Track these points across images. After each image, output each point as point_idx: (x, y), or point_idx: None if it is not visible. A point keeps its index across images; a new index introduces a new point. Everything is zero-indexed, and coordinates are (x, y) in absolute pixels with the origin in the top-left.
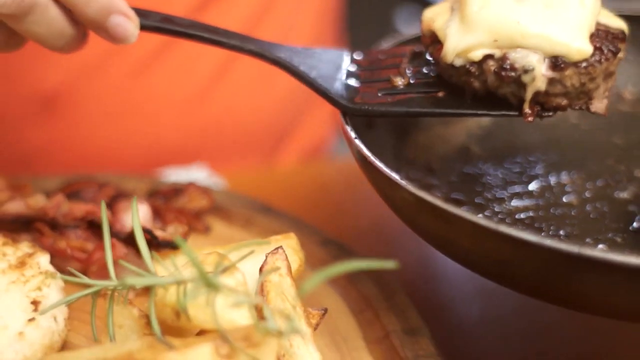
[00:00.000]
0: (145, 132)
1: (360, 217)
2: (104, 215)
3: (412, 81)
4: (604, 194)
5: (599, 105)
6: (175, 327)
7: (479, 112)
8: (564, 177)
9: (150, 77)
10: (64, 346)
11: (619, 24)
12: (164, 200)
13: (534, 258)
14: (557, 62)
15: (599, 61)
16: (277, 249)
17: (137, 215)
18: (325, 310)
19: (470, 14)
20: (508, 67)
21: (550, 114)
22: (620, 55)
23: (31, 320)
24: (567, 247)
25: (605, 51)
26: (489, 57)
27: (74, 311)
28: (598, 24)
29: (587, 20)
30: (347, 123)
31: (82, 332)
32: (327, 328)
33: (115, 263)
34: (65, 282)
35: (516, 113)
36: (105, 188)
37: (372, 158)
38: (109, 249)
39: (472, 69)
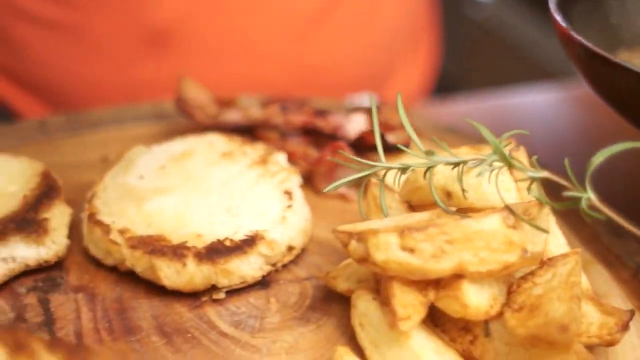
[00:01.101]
0: (249, 73)
1: None
2: (374, 107)
3: None
4: None
5: None
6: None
7: None
8: None
9: (256, 16)
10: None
11: None
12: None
13: None
14: None
15: None
16: (517, 146)
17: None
18: None
19: None
20: None
21: None
22: None
23: (289, 206)
24: None
25: None
26: None
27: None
28: None
29: None
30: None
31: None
32: None
33: (341, 167)
34: None
35: None
36: (304, 106)
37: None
38: (378, 134)
39: None
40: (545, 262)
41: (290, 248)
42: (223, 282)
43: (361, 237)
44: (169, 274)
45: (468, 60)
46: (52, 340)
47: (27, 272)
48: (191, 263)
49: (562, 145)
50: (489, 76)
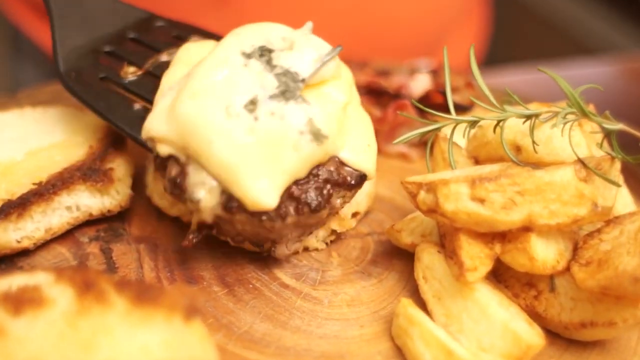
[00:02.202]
0: None
1: None
2: (446, 59)
3: (138, 79)
4: None
5: (281, 252)
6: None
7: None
8: None
9: None
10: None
11: (365, 167)
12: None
13: None
14: (229, 204)
15: (282, 217)
16: (587, 103)
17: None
18: None
19: (178, 100)
20: (178, 183)
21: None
22: (337, 204)
23: None
24: None
25: (298, 207)
26: (173, 158)
27: None
28: (340, 162)
29: (288, 170)
30: None
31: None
32: None
33: (405, 123)
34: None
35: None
36: (366, 67)
37: None
38: (449, 87)
39: (156, 160)
40: (611, 220)
41: (354, 214)
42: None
43: (431, 187)
44: None
45: (512, 36)
46: (121, 280)
47: (90, 222)
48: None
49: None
50: (532, 52)
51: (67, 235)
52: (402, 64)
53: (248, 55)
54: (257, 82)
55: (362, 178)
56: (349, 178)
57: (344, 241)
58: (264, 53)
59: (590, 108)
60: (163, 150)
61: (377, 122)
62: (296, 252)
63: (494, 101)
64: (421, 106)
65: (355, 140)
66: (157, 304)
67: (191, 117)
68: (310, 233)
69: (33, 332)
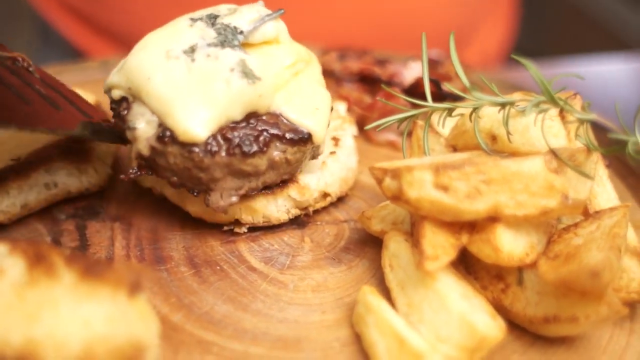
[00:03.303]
0: (329, 27)
1: None
2: (424, 47)
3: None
4: None
5: (215, 200)
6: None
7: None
8: None
9: None
10: (356, 183)
11: (310, 127)
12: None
13: None
14: (163, 134)
15: (212, 153)
16: (574, 94)
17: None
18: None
19: (130, 54)
20: (122, 115)
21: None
22: (275, 156)
23: (332, 153)
24: None
25: (229, 148)
26: (123, 99)
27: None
28: (281, 117)
29: (219, 105)
30: None
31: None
32: None
33: (394, 111)
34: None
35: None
36: (365, 55)
37: None
38: (427, 79)
39: (112, 106)
40: (591, 215)
41: (325, 195)
42: (246, 218)
43: (395, 173)
44: (194, 201)
45: (546, 29)
46: (71, 254)
47: (70, 200)
48: (216, 194)
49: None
50: (566, 46)
51: (46, 211)
52: (404, 54)
53: (195, 20)
54: (199, 35)
55: (305, 136)
56: (288, 133)
57: (318, 227)
58: (211, 18)
59: (577, 100)
60: (116, 94)
61: (367, 109)
62: (231, 205)
63: (466, 82)
64: (397, 94)
65: (303, 103)
66: (104, 279)
67: (136, 62)
68: (253, 190)
69: None
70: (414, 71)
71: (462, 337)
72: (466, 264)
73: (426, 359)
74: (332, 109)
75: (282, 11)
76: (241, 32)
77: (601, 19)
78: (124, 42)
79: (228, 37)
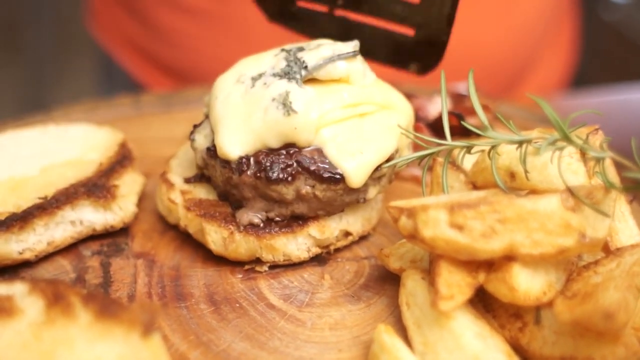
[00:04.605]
0: None
1: None
2: (443, 83)
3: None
4: None
5: (241, 214)
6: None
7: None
8: None
9: None
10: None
11: (346, 169)
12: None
13: None
14: (210, 148)
15: (240, 171)
16: (596, 129)
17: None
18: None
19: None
20: (192, 130)
21: None
22: (302, 189)
23: None
24: None
25: (257, 171)
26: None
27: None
28: (321, 154)
29: (256, 131)
30: None
31: None
32: None
33: (418, 147)
34: None
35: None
36: None
37: None
38: (446, 114)
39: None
40: (612, 252)
41: (347, 233)
42: (267, 257)
43: (411, 212)
44: (216, 239)
45: (600, 60)
46: (88, 294)
47: (96, 237)
48: (238, 233)
49: None
50: (620, 76)
51: (72, 248)
52: (432, 87)
53: (283, 51)
54: (272, 64)
55: (335, 176)
56: (321, 170)
57: (339, 263)
58: (294, 51)
59: (598, 136)
60: (204, 110)
61: None
62: (257, 225)
63: (485, 121)
64: (425, 132)
65: (350, 143)
66: (118, 319)
67: (217, 81)
68: (281, 217)
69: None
70: (438, 105)
71: None
72: (484, 302)
73: None
74: (391, 159)
75: (354, 53)
76: (305, 67)
77: None
78: (187, 78)
79: (292, 70)
